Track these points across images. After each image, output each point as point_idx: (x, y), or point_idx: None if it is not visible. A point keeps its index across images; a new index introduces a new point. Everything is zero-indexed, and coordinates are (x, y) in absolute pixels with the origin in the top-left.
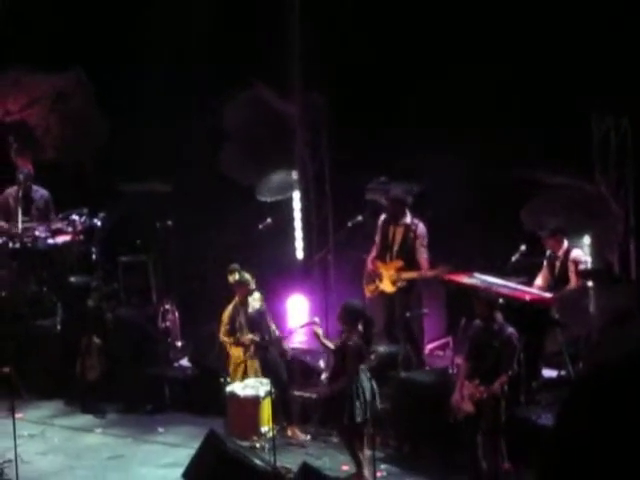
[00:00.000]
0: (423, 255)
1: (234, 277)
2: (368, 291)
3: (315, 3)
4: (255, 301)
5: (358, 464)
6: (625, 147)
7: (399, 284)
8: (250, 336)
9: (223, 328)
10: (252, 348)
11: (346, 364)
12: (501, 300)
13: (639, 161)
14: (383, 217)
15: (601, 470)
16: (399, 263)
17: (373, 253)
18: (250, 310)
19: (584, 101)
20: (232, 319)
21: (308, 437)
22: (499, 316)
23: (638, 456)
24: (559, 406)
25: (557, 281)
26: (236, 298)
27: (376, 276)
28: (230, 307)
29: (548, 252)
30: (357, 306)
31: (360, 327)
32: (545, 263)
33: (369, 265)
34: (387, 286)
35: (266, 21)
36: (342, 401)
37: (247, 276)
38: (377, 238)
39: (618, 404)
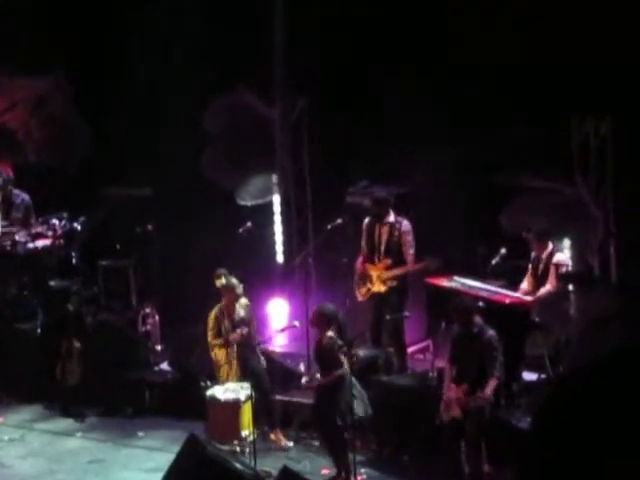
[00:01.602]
0: (409, 251)
1: (220, 282)
2: (360, 295)
3: (299, 7)
4: (241, 308)
5: (346, 468)
6: (605, 151)
7: (389, 283)
8: (238, 331)
9: (210, 332)
10: (235, 348)
11: (330, 363)
12: (481, 303)
13: (618, 165)
14: (367, 220)
15: (578, 470)
16: (388, 262)
17: (361, 257)
18: (235, 317)
19: (564, 104)
20: (218, 322)
21: (291, 444)
22: (478, 319)
23: (615, 454)
24: (536, 408)
25: (539, 284)
26: (222, 302)
27: (366, 278)
28: (215, 310)
29: (533, 254)
30: (330, 310)
31: (333, 331)
32: (530, 266)
33: (358, 268)
34: (377, 286)
35: (249, 25)
36: (336, 399)
37: (234, 281)
38: (363, 242)
39: (595, 405)
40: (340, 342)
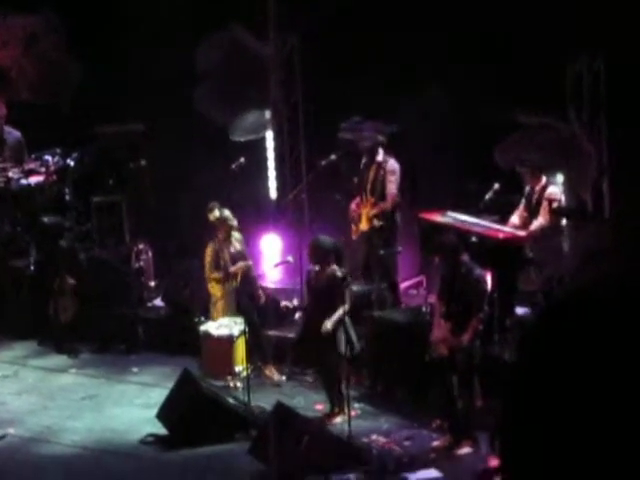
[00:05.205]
0: (391, 190)
1: (214, 215)
2: (353, 233)
3: None
4: (237, 241)
5: (339, 402)
6: (598, 86)
7: (374, 221)
8: (242, 263)
9: (208, 264)
10: (234, 282)
11: (330, 299)
12: (474, 238)
13: (612, 101)
14: (364, 160)
15: (561, 400)
16: (372, 200)
17: (357, 198)
18: (232, 250)
19: (558, 42)
20: (216, 255)
21: (283, 377)
22: (466, 257)
23: (599, 384)
24: (519, 338)
25: (532, 217)
26: (218, 236)
27: (358, 217)
28: (213, 244)
29: (527, 188)
30: (326, 242)
31: (333, 263)
32: (523, 200)
33: (352, 208)
34: (364, 225)
35: None
36: (337, 336)
37: (227, 213)
38: (357, 180)
39: (579, 334)
40: (344, 278)
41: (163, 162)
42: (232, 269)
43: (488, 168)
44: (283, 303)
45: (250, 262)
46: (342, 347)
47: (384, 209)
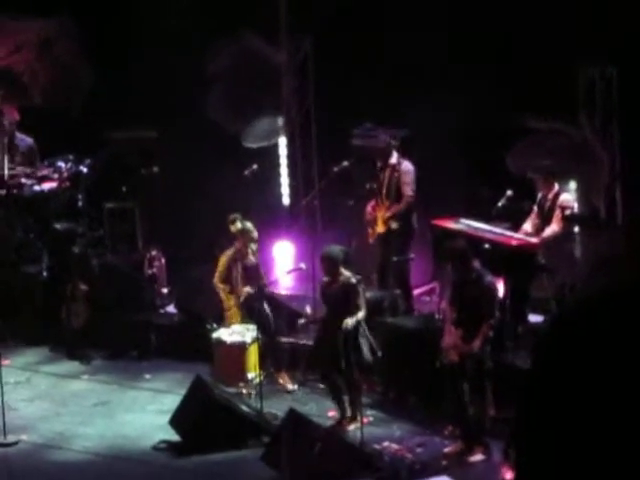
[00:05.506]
0: (405, 192)
1: (236, 227)
2: (370, 237)
3: None
4: (253, 255)
5: (356, 409)
6: (611, 93)
7: (390, 224)
8: (247, 289)
9: (218, 273)
10: (241, 298)
11: (348, 305)
12: (487, 245)
13: (625, 108)
14: (379, 164)
15: (575, 408)
16: (387, 203)
17: (373, 200)
18: (247, 263)
19: (571, 48)
20: (229, 267)
21: (296, 385)
22: (476, 264)
23: (613, 391)
24: (532, 346)
25: (545, 224)
26: (235, 246)
27: (374, 221)
28: (228, 254)
29: (539, 195)
30: (334, 252)
31: (344, 270)
32: (536, 207)
33: (368, 211)
34: (380, 227)
35: None
36: (357, 343)
37: (249, 225)
38: (375, 185)
39: (591, 341)
40: (358, 283)
41: (175, 168)
42: (239, 290)
43: (500, 175)
44: (301, 321)
45: (263, 278)
46: (366, 353)
47: (398, 211)
